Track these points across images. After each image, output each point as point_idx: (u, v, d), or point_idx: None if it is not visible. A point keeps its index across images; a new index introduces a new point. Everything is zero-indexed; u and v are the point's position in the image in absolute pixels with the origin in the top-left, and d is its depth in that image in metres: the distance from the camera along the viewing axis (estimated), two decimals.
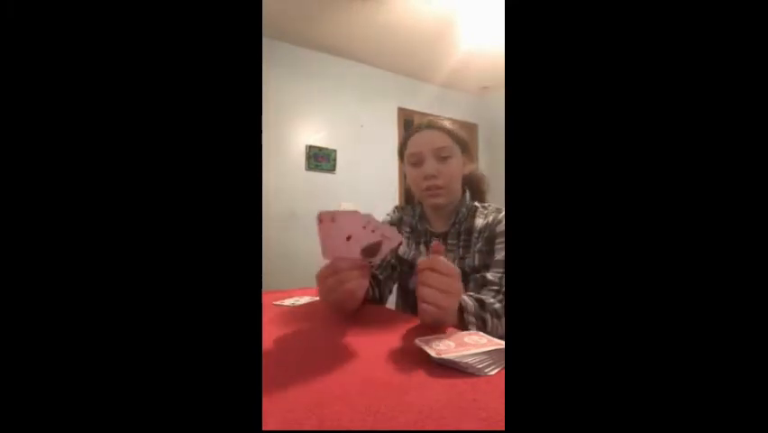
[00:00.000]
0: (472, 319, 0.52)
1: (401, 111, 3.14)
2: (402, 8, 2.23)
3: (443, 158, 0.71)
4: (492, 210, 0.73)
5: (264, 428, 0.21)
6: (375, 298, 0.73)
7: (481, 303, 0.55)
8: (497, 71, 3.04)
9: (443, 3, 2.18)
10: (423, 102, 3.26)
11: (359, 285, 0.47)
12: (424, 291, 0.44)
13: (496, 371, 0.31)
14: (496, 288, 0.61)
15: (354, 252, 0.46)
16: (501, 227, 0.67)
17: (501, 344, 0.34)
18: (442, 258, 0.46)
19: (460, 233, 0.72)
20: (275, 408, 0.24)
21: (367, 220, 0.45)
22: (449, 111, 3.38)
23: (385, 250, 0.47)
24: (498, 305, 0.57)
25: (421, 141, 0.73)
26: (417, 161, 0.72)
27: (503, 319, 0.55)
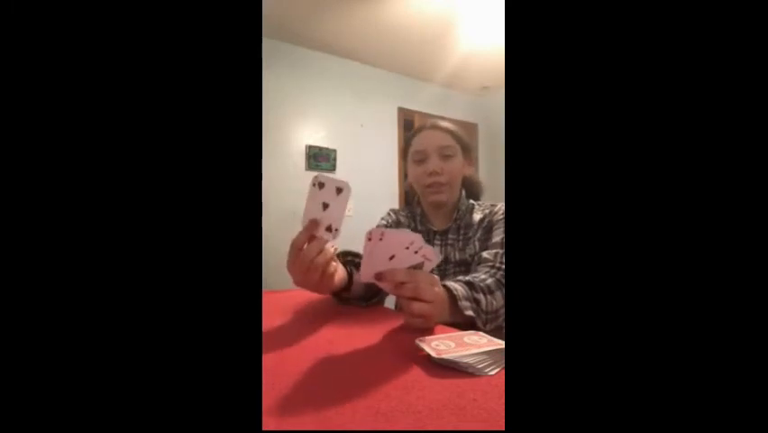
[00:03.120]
0: (466, 303, 0.52)
1: (401, 111, 3.14)
2: (402, 8, 2.23)
3: (446, 156, 0.75)
4: (488, 205, 0.78)
5: (264, 428, 0.21)
6: (371, 294, 0.73)
7: (470, 285, 0.55)
8: (497, 71, 3.04)
9: (443, 3, 2.18)
10: (423, 102, 3.26)
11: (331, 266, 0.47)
12: (411, 306, 0.44)
13: (496, 371, 0.31)
14: (490, 264, 0.64)
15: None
16: (498, 216, 0.73)
17: (501, 344, 0.34)
18: (419, 271, 0.46)
19: (460, 228, 0.76)
20: (275, 408, 0.24)
21: (411, 240, 0.44)
22: (449, 111, 3.38)
23: (426, 270, 0.46)
24: (490, 280, 0.58)
25: (426, 139, 0.76)
26: (421, 159, 0.76)
27: (497, 293, 0.57)
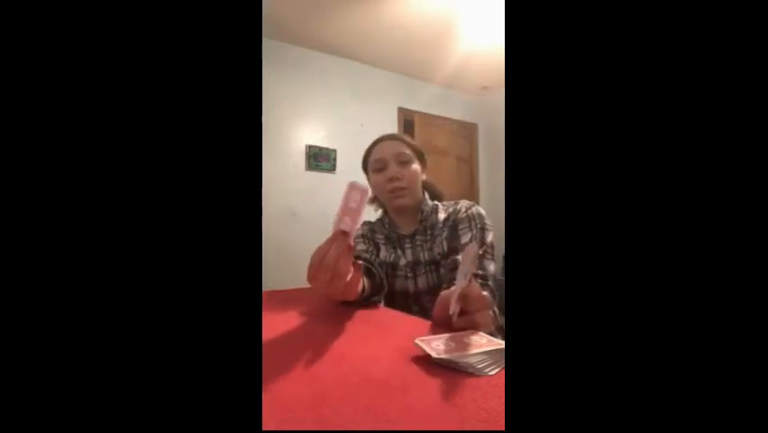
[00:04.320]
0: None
1: (401, 111, 3.14)
2: (402, 8, 2.23)
3: (403, 162, 0.80)
4: (451, 204, 0.83)
5: (264, 428, 0.21)
6: (374, 294, 0.73)
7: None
8: (497, 71, 3.04)
9: (443, 2, 2.18)
10: (423, 102, 3.26)
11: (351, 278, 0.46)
12: (477, 318, 0.45)
13: (496, 371, 0.31)
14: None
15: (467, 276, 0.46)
16: (462, 214, 0.76)
17: (501, 344, 0.34)
18: (472, 284, 0.47)
19: (426, 228, 0.80)
20: (275, 408, 0.24)
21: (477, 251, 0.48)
22: (449, 111, 3.38)
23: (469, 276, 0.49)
24: None
25: (383, 148, 0.82)
26: (381, 167, 0.81)
27: None
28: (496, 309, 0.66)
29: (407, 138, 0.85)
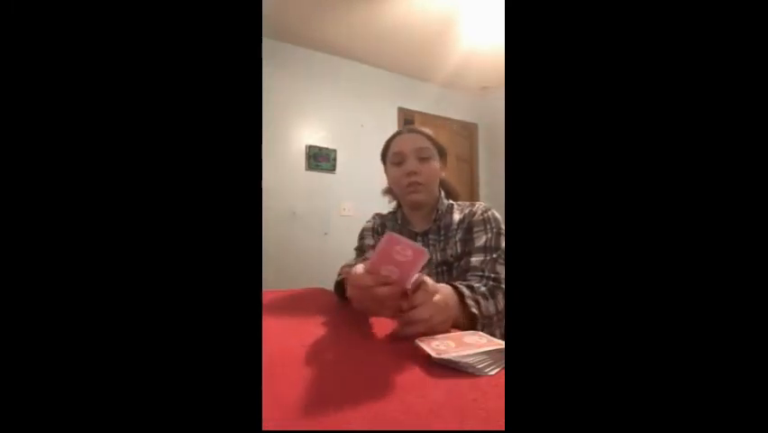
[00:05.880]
0: (471, 302, 0.54)
1: (401, 111, 3.14)
2: (402, 8, 2.23)
3: (423, 158, 0.78)
4: (467, 205, 0.80)
5: (264, 428, 0.21)
6: None
7: (471, 288, 0.58)
8: (497, 71, 3.04)
9: (443, 2, 2.18)
10: (423, 102, 3.25)
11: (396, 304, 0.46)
12: (420, 321, 0.43)
13: (496, 371, 0.31)
14: (479, 273, 0.66)
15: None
16: (478, 217, 0.75)
17: (501, 344, 0.34)
18: (426, 280, 0.46)
19: (440, 228, 0.79)
20: (275, 408, 0.24)
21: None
22: (449, 111, 3.38)
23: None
24: (483, 288, 0.60)
25: (403, 142, 0.80)
26: (400, 160, 0.79)
27: (491, 300, 0.59)
28: (488, 308, 0.65)
29: (430, 133, 0.82)
